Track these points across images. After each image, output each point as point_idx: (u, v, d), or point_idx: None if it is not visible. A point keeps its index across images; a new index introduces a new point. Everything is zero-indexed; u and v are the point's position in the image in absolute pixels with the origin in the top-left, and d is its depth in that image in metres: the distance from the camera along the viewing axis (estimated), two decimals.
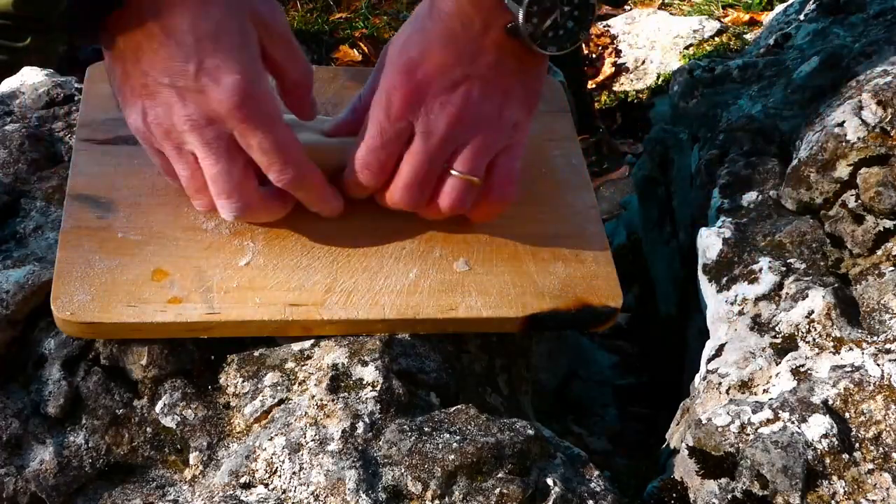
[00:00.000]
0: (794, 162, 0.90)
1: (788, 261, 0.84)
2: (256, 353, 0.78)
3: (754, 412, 0.73)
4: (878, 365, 0.74)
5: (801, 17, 1.27)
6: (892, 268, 0.80)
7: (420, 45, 0.76)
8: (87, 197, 0.82)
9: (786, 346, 0.79)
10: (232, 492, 0.71)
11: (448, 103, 0.76)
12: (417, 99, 0.75)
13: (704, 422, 0.74)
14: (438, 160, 0.77)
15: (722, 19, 2.23)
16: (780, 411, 0.73)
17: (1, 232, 0.84)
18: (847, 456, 0.71)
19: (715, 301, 0.86)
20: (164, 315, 0.75)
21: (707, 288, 0.87)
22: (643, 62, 2.12)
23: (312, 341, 0.78)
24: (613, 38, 2.23)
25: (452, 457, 0.69)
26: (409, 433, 0.71)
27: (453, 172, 0.78)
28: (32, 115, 0.96)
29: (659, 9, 2.28)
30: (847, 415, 0.73)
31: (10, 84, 1.00)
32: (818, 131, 0.89)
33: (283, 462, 0.71)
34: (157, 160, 0.78)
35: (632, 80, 2.10)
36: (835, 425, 0.71)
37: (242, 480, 0.71)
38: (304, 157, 0.77)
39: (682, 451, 0.75)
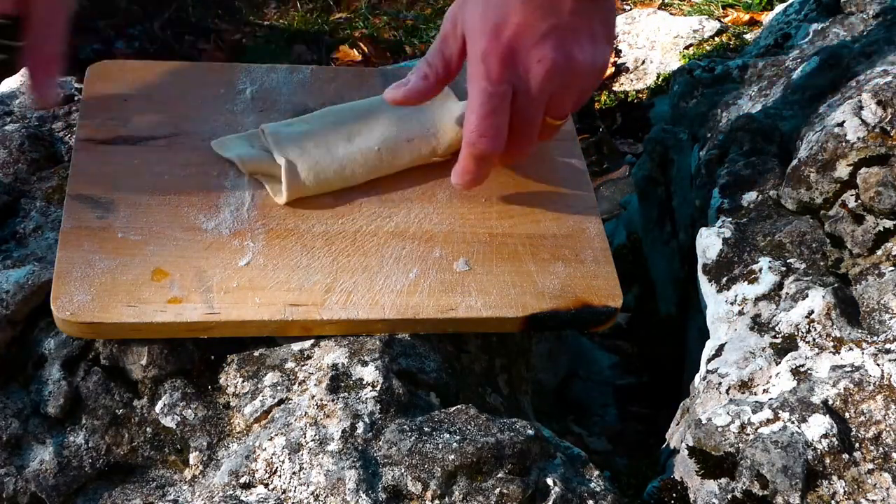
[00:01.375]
0: (794, 162, 0.90)
1: (788, 261, 0.84)
2: (256, 353, 0.78)
3: (754, 412, 0.73)
4: (878, 365, 0.74)
5: (801, 17, 1.27)
6: (892, 268, 0.80)
7: (500, 7, 0.77)
8: (87, 197, 0.82)
9: (786, 346, 0.79)
10: (232, 492, 0.71)
11: (543, 58, 0.78)
12: (512, 59, 0.78)
13: (704, 422, 0.74)
14: (540, 112, 0.81)
15: (722, 19, 2.23)
16: (780, 411, 0.73)
17: (1, 232, 0.84)
18: (847, 456, 0.71)
19: (715, 301, 0.86)
20: (164, 315, 0.75)
21: (707, 288, 0.87)
22: (643, 62, 2.12)
23: (312, 341, 0.78)
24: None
25: (452, 457, 0.69)
26: (409, 433, 0.71)
27: (549, 120, 0.83)
28: (32, 115, 0.96)
29: (659, 9, 2.28)
30: (847, 415, 0.73)
31: (10, 84, 1.00)
32: (818, 131, 0.89)
33: (283, 462, 0.71)
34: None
35: (632, 80, 2.10)
36: (835, 425, 0.71)
37: (242, 480, 0.71)
38: None
39: (682, 451, 0.75)
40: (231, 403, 0.77)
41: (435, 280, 0.81)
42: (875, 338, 0.77)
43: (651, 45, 2.14)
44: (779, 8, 1.40)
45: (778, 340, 0.79)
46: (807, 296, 0.80)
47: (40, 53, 0.78)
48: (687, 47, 2.10)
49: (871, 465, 0.70)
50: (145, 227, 0.81)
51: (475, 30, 0.78)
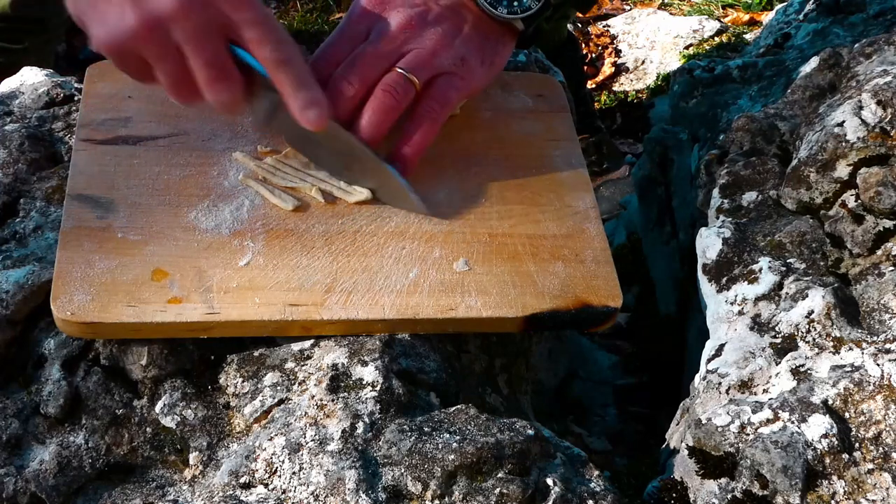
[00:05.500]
0: (794, 162, 0.90)
1: (788, 261, 0.84)
2: (256, 353, 0.78)
3: (754, 412, 0.73)
4: (878, 365, 0.74)
5: (801, 17, 1.27)
6: (891, 268, 0.80)
7: None
8: (87, 197, 0.82)
9: (786, 346, 0.79)
10: (232, 492, 0.71)
11: (404, 11, 0.86)
12: (379, 7, 0.86)
13: (704, 422, 0.74)
14: (384, 53, 0.84)
15: (722, 19, 2.23)
16: (780, 411, 0.73)
17: (1, 232, 0.84)
18: (847, 456, 0.71)
19: (715, 301, 0.86)
20: (164, 315, 0.75)
21: (707, 288, 0.87)
22: (643, 62, 2.12)
23: (312, 341, 0.78)
24: (613, 38, 2.23)
25: (452, 457, 0.69)
26: (409, 433, 0.71)
27: (397, 68, 0.84)
28: (32, 115, 0.96)
29: (659, 9, 2.28)
30: (847, 415, 0.73)
31: (9, 84, 1.00)
32: (818, 131, 0.89)
33: (283, 462, 0.71)
34: (130, 67, 0.78)
35: (632, 80, 2.10)
36: (835, 425, 0.71)
37: (242, 480, 0.71)
38: (290, 37, 0.80)
39: (682, 451, 0.75)
40: (231, 403, 0.77)
41: (435, 280, 0.81)
42: (875, 338, 0.77)
43: (651, 45, 2.15)
44: (779, 8, 1.40)
45: (778, 340, 0.79)
46: (807, 296, 0.80)
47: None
48: (687, 47, 2.10)
49: (871, 465, 0.70)
50: (145, 227, 0.81)
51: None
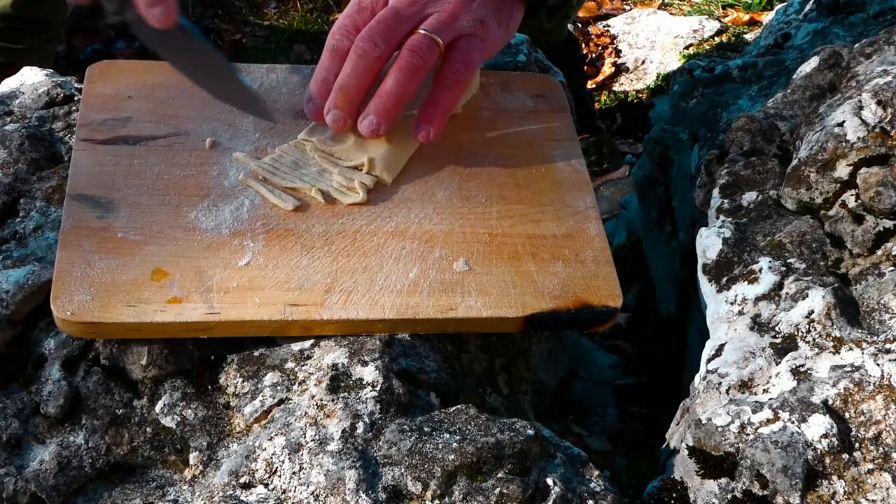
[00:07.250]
0: (794, 162, 0.90)
1: (788, 261, 0.84)
2: (256, 353, 0.78)
3: (754, 412, 0.73)
4: (878, 365, 0.74)
5: (801, 17, 1.27)
6: (892, 268, 0.80)
7: None
8: (87, 197, 0.82)
9: (786, 346, 0.79)
10: (232, 492, 0.71)
11: None
12: None
13: (704, 422, 0.74)
14: (406, 16, 0.86)
15: (722, 19, 2.23)
16: (780, 411, 0.73)
17: (1, 232, 0.84)
18: (847, 456, 0.71)
19: (715, 301, 0.86)
20: (164, 315, 0.75)
21: (707, 288, 0.87)
22: (643, 62, 2.12)
23: (312, 341, 0.78)
24: (613, 37, 2.23)
25: (452, 457, 0.69)
26: (409, 433, 0.71)
27: (421, 30, 0.86)
28: (32, 115, 0.96)
29: (659, 9, 2.28)
30: (847, 415, 0.73)
31: (9, 84, 1.00)
32: (818, 131, 0.89)
33: (283, 462, 0.71)
34: None
35: (632, 80, 2.10)
36: (835, 425, 0.71)
37: (242, 480, 0.71)
38: None
39: (682, 451, 0.75)
40: (231, 403, 0.77)
41: (435, 280, 0.81)
42: (875, 338, 0.77)
43: (651, 45, 2.15)
44: (779, 8, 1.40)
45: (778, 340, 0.79)
46: (807, 296, 0.80)
47: None
48: (687, 47, 2.10)
49: (871, 465, 0.70)
50: (145, 227, 0.81)
51: None
